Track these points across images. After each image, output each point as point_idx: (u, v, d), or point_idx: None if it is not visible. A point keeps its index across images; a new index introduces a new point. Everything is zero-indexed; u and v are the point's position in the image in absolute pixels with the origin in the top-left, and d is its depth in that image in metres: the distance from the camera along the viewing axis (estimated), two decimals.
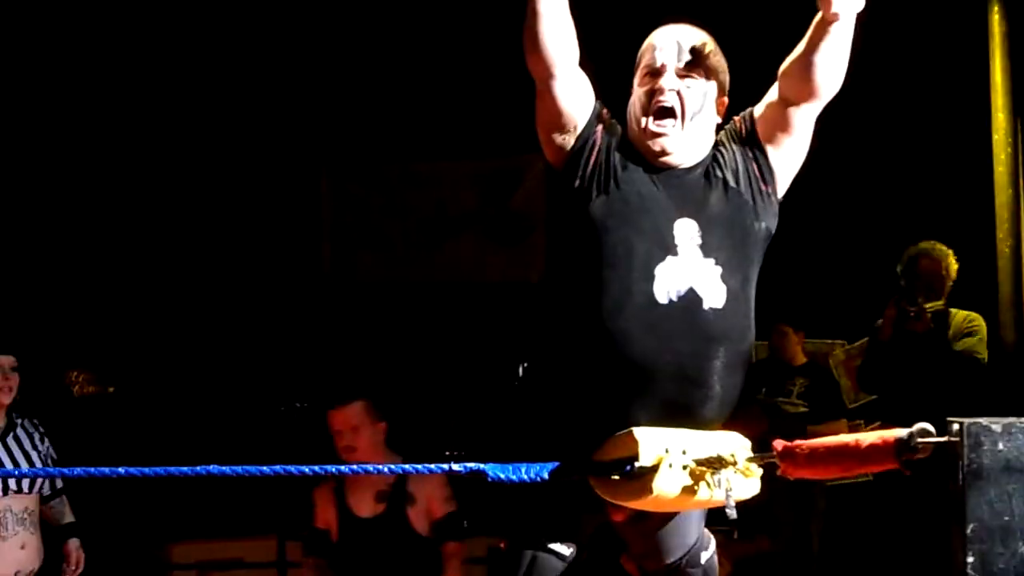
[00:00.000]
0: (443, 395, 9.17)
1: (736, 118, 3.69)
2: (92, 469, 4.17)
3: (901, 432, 3.29)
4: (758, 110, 3.65)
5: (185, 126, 9.67)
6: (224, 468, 3.72)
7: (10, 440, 5.55)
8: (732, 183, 3.60)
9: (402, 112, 9.75)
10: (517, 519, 3.67)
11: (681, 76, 3.59)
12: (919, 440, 3.27)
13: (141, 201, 9.69)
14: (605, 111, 3.64)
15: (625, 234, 3.50)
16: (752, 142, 3.63)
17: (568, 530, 3.63)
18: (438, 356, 9.38)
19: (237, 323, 9.99)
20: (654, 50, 3.62)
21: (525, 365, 3.71)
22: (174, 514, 8.55)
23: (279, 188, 9.93)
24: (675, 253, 3.51)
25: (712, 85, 3.62)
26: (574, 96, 3.59)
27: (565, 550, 3.62)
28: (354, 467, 3.50)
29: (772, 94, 3.63)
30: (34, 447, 5.62)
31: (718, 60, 3.65)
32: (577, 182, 3.57)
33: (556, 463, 3.41)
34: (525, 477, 3.39)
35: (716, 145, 3.66)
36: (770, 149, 3.63)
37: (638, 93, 3.63)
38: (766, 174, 3.63)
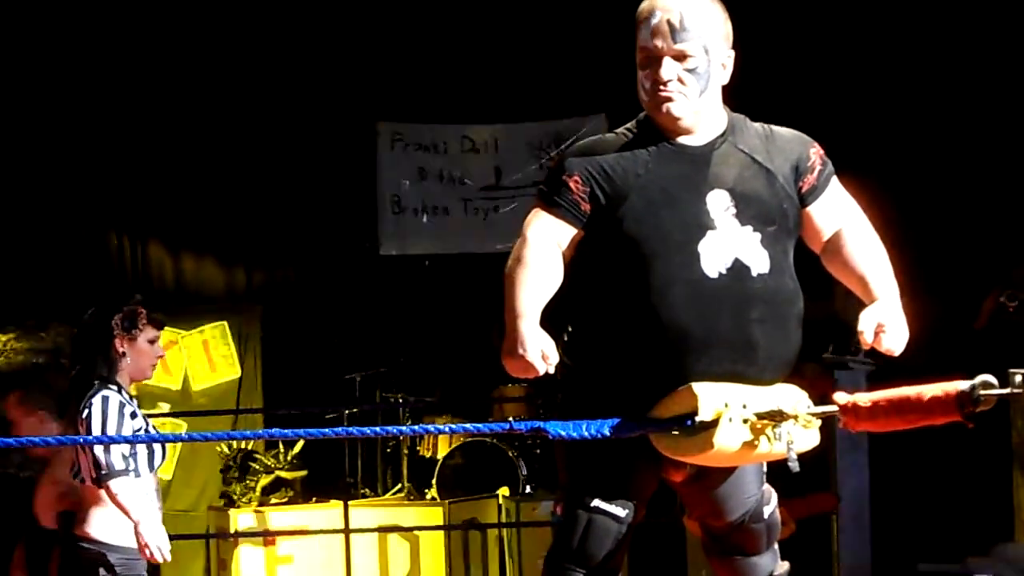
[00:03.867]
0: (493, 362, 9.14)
1: (816, 153, 3.67)
2: (170, 435, 4.23)
3: (963, 384, 3.27)
4: (818, 200, 3.66)
5: (239, 90, 9.67)
6: (286, 431, 3.76)
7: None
8: (764, 163, 3.61)
9: (459, 75, 9.73)
10: (573, 481, 3.66)
11: (678, 57, 3.55)
12: (982, 392, 3.25)
13: (194, 168, 9.72)
14: (574, 180, 3.59)
15: (657, 229, 3.51)
16: (796, 183, 3.64)
17: (624, 491, 3.61)
18: (490, 324, 9.34)
19: (291, 287, 10.03)
20: (648, 30, 3.56)
21: (570, 330, 3.68)
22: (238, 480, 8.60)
23: (334, 152, 9.92)
24: (713, 227, 3.53)
25: (713, 51, 3.57)
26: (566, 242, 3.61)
27: (620, 511, 3.61)
28: (416, 427, 3.51)
29: (824, 224, 3.66)
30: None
31: (712, 19, 3.58)
32: (599, 227, 3.58)
33: (616, 419, 3.41)
34: (586, 434, 3.39)
35: (759, 136, 3.65)
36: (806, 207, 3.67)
37: (640, 77, 3.60)
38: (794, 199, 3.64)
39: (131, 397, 5.27)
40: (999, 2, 8.46)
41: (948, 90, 8.69)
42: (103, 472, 5.07)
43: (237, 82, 9.64)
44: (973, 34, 8.60)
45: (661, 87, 3.54)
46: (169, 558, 5.10)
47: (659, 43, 3.53)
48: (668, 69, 3.54)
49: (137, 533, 5.05)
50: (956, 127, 8.66)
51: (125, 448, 5.09)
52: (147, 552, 5.05)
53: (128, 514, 5.07)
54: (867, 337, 3.45)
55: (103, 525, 5.17)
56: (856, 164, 4.02)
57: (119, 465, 5.07)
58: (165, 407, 9.01)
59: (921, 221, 8.05)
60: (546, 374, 3.43)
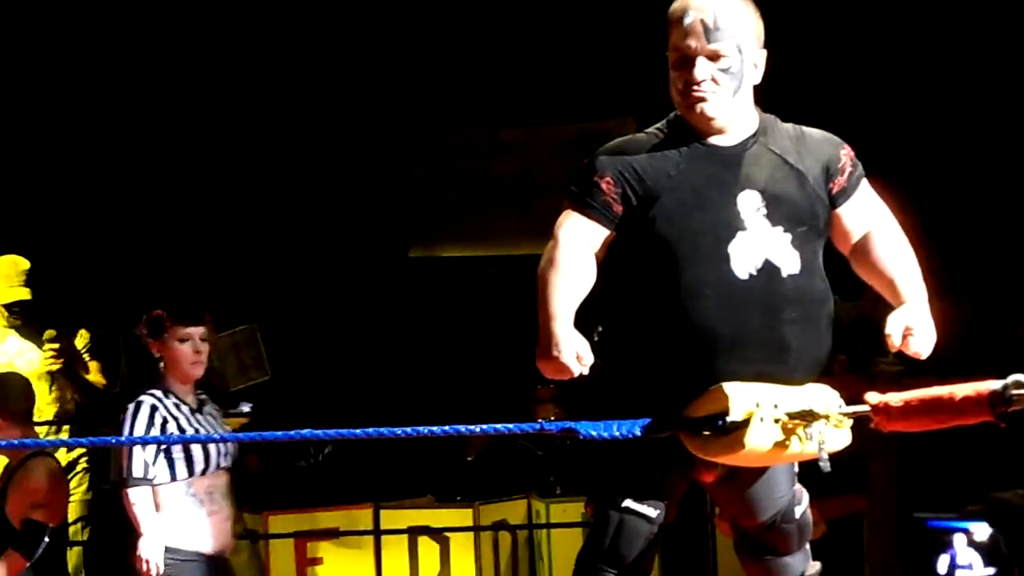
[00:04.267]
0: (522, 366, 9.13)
1: (847, 155, 3.68)
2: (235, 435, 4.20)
3: (995, 384, 3.26)
4: (848, 201, 3.67)
5: (272, 97, 9.70)
6: (317, 432, 3.76)
7: (210, 416, 5.43)
8: (795, 164, 3.62)
9: (489, 78, 9.73)
10: (603, 482, 3.67)
11: (712, 57, 3.54)
12: (1014, 392, 3.24)
13: (226, 174, 9.75)
14: (605, 181, 3.58)
15: (689, 230, 3.51)
16: (826, 184, 3.65)
17: (655, 492, 3.62)
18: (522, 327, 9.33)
19: (323, 297, 10.03)
20: (681, 30, 3.54)
21: (600, 330, 3.67)
22: (271, 483, 8.61)
23: (367, 159, 9.95)
24: (743, 228, 3.53)
25: (746, 50, 3.57)
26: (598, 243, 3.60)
27: (652, 512, 3.62)
28: (446, 428, 3.49)
29: (853, 226, 3.67)
30: (219, 423, 5.52)
31: (745, 18, 3.58)
32: (630, 228, 3.58)
33: (647, 420, 3.41)
34: (617, 434, 3.39)
35: (790, 137, 3.66)
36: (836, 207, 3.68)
37: (673, 77, 3.59)
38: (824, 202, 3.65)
39: (181, 401, 5.32)
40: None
41: (974, 90, 8.67)
42: (123, 477, 5.20)
43: (269, 86, 9.66)
44: (998, 34, 8.58)
45: (695, 87, 3.54)
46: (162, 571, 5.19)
47: (693, 43, 3.53)
48: (702, 69, 3.53)
49: (138, 544, 5.17)
50: (983, 127, 8.64)
51: (149, 455, 5.18)
52: (141, 564, 5.16)
53: (136, 524, 5.18)
54: (895, 340, 3.46)
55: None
56: (882, 166, 3.99)
57: (137, 473, 5.18)
58: (245, 407, 9.02)
59: (949, 221, 8.03)
60: (580, 375, 3.43)
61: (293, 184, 9.83)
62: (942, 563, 6.52)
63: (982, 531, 6.45)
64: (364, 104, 9.78)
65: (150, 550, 5.17)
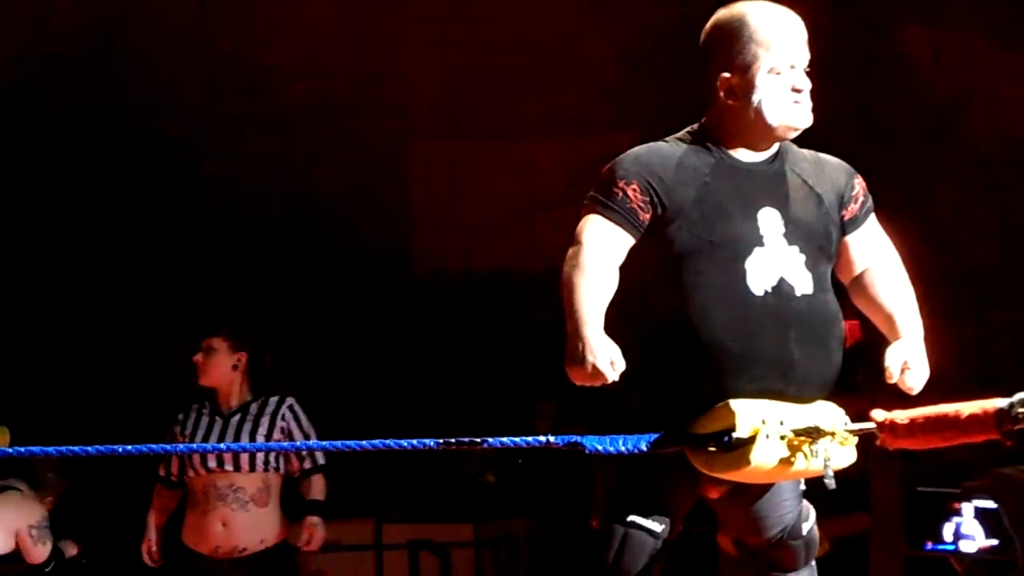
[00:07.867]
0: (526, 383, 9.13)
1: (860, 184, 3.70)
2: (194, 446, 4.21)
3: (1001, 401, 3.26)
4: (857, 230, 3.69)
5: (258, 105, 9.67)
6: (311, 443, 3.77)
7: (234, 419, 5.65)
8: (815, 187, 3.63)
9: (493, 92, 9.70)
10: (608, 496, 3.66)
11: (806, 74, 3.59)
12: (1020, 410, 3.23)
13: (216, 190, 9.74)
14: (631, 188, 3.52)
15: (710, 244, 3.50)
16: (839, 210, 3.66)
17: (660, 507, 3.61)
18: (528, 345, 9.34)
19: (320, 313, 10.02)
20: (789, 43, 3.55)
21: None
22: None
23: (364, 170, 9.91)
24: (762, 244, 3.53)
25: None
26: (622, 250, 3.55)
27: (656, 526, 3.60)
28: (450, 440, 3.49)
29: (858, 256, 3.69)
30: (257, 426, 5.60)
31: None
32: (651, 238, 3.54)
33: (653, 435, 3.41)
34: (622, 449, 3.39)
35: (807, 160, 3.68)
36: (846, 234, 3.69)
37: (779, 83, 3.54)
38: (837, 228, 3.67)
39: (213, 406, 5.69)
40: None
41: None
42: None
43: (256, 96, 9.63)
44: None
45: (804, 98, 3.57)
46: (150, 564, 5.78)
47: (804, 53, 3.56)
48: (806, 81, 3.57)
49: None
50: None
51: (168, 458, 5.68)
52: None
53: None
54: (894, 373, 3.51)
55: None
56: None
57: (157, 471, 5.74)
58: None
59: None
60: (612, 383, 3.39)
61: (291, 199, 9.81)
62: (947, 530, 6.57)
63: (987, 504, 6.54)
64: (366, 116, 9.75)
65: (143, 540, 5.75)
